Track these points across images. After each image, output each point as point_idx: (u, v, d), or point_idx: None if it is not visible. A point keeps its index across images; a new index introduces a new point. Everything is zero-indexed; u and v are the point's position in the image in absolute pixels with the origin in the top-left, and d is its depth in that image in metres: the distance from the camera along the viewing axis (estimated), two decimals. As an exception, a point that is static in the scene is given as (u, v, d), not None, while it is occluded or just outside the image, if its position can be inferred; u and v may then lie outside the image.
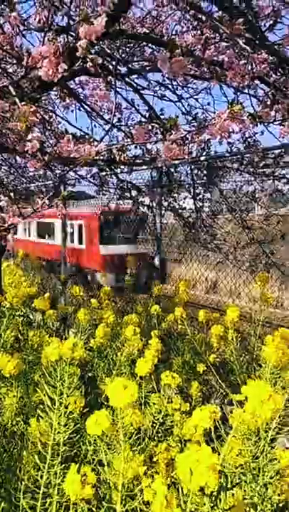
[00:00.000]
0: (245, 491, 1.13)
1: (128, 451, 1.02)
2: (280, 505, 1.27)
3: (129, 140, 1.64)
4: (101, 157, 3.46)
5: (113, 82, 2.18)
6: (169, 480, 1.10)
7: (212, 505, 0.92)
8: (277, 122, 1.86)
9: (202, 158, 3.09)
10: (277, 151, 3.11)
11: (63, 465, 1.20)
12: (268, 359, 1.33)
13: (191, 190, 3.96)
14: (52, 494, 1.18)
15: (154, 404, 1.57)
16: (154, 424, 1.60)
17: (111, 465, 1.13)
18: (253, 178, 4.12)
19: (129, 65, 3.17)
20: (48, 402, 1.16)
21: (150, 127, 2.09)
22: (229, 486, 0.97)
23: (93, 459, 1.40)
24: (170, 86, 3.41)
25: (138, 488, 0.98)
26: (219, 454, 0.94)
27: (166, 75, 3.25)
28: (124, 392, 0.96)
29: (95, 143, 1.65)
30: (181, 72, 1.47)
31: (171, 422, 1.59)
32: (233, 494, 0.99)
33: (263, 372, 1.48)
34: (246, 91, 2.43)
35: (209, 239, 3.99)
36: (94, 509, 1.02)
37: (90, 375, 2.23)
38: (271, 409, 0.79)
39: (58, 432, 1.18)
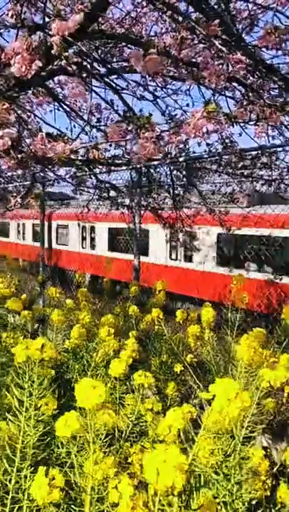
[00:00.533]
0: (217, 489, 1.12)
1: (98, 452, 1.01)
2: (253, 502, 1.27)
3: (103, 139, 1.62)
4: (80, 157, 3.44)
5: (89, 81, 2.16)
6: (138, 481, 1.09)
7: (182, 505, 0.91)
8: (253, 122, 1.87)
9: (181, 159, 3.09)
10: (254, 153, 3.14)
11: (33, 468, 1.17)
12: (241, 357, 1.34)
13: (171, 191, 3.96)
14: (21, 499, 1.15)
15: (128, 405, 1.56)
16: (129, 426, 1.59)
17: (83, 467, 1.11)
18: (231, 180, 4.16)
19: (108, 65, 3.15)
20: (16, 404, 1.13)
21: (128, 127, 2.08)
22: (199, 485, 0.96)
23: (66, 462, 1.38)
24: (149, 87, 3.41)
25: (108, 491, 0.96)
26: (188, 454, 0.94)
27: (146, 76, 3.26)
28: (92, 393, 0.95)
29: (70, 141, 1.63)
30: (156, 71, 1.46)
31: (146, 422, 1.58)
32: (205, 493, 0.98)
33: (236, 371, 1.48)
34: (224, 93, 2.45)
35: (188, 239, 3.98)
36: (63, 513, 1.00)
37: (66, 377, 2.20)
38: (238, 408, 0.78)
39: (28, 435, 1.15)
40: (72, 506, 0.99)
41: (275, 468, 1.52)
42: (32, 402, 1.16)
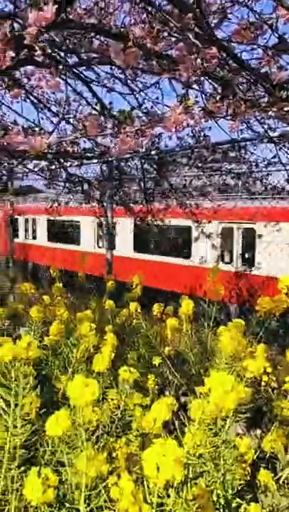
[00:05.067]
0: (206, 478, 1.15)
1: (90, 449, 1.00)
2: (239, 487, 1.31)
3: (80, 133, 1.59)
4: (50, 150, 3.37)
5: (63, 72, 2.11)
6: (131, 475, 1.10)
7: (177, 496, 0.92)
8: (229, 118, 1.90)
9: (153, 152, 3.09)
10: (225, 146, 3.18)
11: (21, 468, 1.15)
12: (224, 349, 1.36)
13: (142, 184, 3.96)
14: (10, 500, 1.14)
15: (112, 399, 1.56)
16: (113, 420, 1.59)
17: (73, 465, 1.11)
18: (201, 173, 4.20)
19: (78, 56, 3.09)
20: (3, 405, 1.11)
21: (105, 122, 2.05)
22: (192, 476, 0.98)
23: (51, 460, 1.36)
24: (121, 79, 3.38)
25: (101, 486, 0.96)
26: (183, 447, 0.95)
27: (116, 69, 3.22)
28: (85, 390, 0.94)
29: (46, 135, 1.59)
30: (134, 64, 1.45)
31: (130, 416, 1.58)
32: (196, 483, 1.00)
33: (218, 363, 1.51)
34: (195, 86, 2.45)
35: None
36: (55, 511, 0.99)
37: (44, 373, 2.17)
38: (234, 400, 0.80)
39: (14, 435, 1.14)
40: (66, 504, 0.99)
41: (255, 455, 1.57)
42: (18, 402, 1.14)
